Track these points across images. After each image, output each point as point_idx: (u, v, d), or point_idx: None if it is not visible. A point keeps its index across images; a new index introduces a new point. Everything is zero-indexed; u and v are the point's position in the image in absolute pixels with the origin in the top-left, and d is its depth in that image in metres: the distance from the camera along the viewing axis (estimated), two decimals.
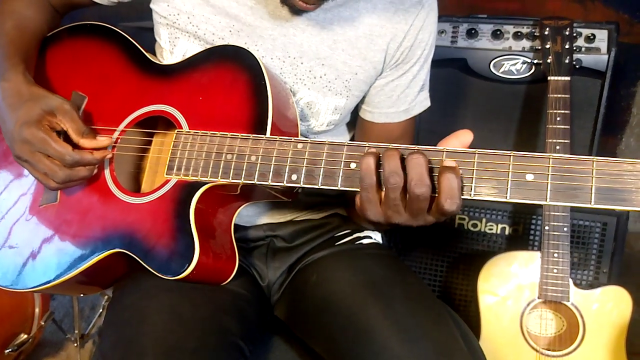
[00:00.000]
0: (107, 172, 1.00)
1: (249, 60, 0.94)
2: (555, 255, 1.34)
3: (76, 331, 1.77)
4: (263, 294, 1.14)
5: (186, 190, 0.91)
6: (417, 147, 0.76)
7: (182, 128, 0.95)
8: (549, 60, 1.44)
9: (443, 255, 1.62)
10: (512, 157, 0.72)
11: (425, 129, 1.56)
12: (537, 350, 1.37)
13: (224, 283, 0.98)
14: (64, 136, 0.97)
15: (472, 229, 1.58)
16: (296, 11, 0.99)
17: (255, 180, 0.85)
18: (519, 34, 1.57)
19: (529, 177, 0.71)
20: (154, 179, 1.05)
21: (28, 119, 0.93)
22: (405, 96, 1.11)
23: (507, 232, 1.57)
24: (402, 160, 0.75)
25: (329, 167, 0.81)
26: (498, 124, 1.64)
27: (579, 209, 1.48)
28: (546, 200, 0.70)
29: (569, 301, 1.35)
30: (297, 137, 0.96)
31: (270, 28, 1.02)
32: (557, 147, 1.36)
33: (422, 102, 1.15)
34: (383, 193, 0.76)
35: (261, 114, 0.90)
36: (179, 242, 0.89)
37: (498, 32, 1.58)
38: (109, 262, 0.96)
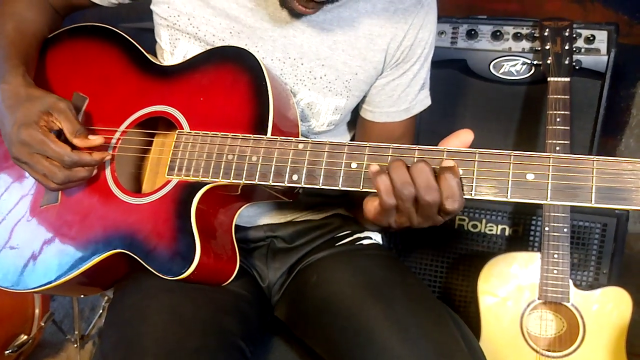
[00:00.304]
0: (108, 173, 1.00)
1: (250, 61, 0.94)
2: (555, 256, 1.34)
3: (76, 332, 1.77)
4: (263, 294, 1.14)
5: (187, 190, 0.91)
6: (418, 146, 0.77)
7: (183, 129, 0.95)
8: (548, 61, 1.44)
9: (443, 256, 1.62)
10: (512, 156, 0.73)
11: (426, 129, 1.56)
12: (537, 351, 1.37)
13: (225, 284, 0.98)
14: (64, 135, 0.98)
15: (472, 229, 1.58)
16: (295, 14, 1.00)
17: (256, 180, 0.86)
18: (519, 35, 1.57)
19: (530, 176, 0.71)
20: (155, 179, 1.05)
21: (26, 121, 0.93)
22: (406, 95, 1.11)
23: (507, 233, 1.57)
24: (408, 168, 0.76)
25: (329, 167, 0.81)
26: (498, 124, 1.64)
27: (579, 210, 1.48)
28: (547, 200, 0.70)
29: (569, 302, 1.35)
30: (298, 137, 0.96)
31: (271, 29, 1.02)
32: (557, 148, 1.36)
33: (423, 101, 1.15)
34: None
35: (262, 114, 0.90)
36: (180, 243, 0.89)
37: (498, 33, 1.58)
38: (109, 263, 0.96)
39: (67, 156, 0.92)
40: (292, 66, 1.04)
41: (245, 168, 0.87)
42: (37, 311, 1.73)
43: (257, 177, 0.86)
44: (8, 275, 1.01)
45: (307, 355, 1.04)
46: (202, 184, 0.90)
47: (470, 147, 0.76)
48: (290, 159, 0.84)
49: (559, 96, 1.40)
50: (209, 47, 1.02)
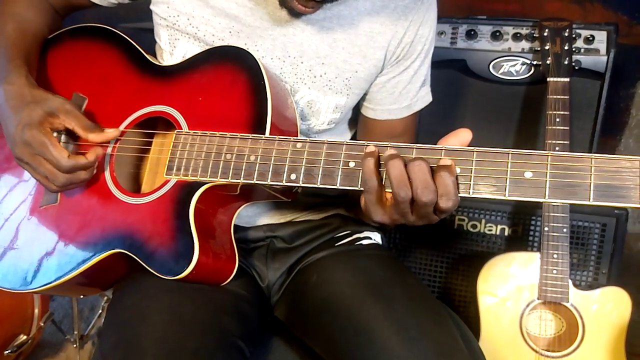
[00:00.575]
0: (107, 173, 1.00)
1: (248, 61, 0.94)
2: (555, 256, 1.34)
3: (75, 332, 1.77)
4: (263, 294, 1.14)
5: (186, 190, 0.91)
6: (416, 145, 0.77)
7: (181, 128, 0.95)
8: (548, 62, 1.44)
9: (442, 256, 1.62)
10: (510, 155, 0.73)
11: (425, 130, 1.56)
12: (536, 351, 1.37)
13: (224, 283, 0.98)
14: (67, 135, 0.98)
15: (471, 229, 1.58)
16: (295, 14, 1.00)
17: (255, 179, 0.86)
18: (518, 35, 1.57)
19: (528, 174, 0.71)
20: (154, 179, 1.05)
21: (30, 121, 0.93)
22: (407, 92, 1.11)
23: (506, 233, 1.57)
24: (405, 165, 0.75)
25: (327, 166, 0.81)
26: (497, 125, 1.65)
27: (579, 210, 1.48)
28: (545, 198, 0.70)
29: (568, 302, 1.35)
30: (296, 136, 0.96)
31: (270, 28, 1.02)
32: (557, 148, 1.36)
33: (424, 98, 1.15)
34: (389, 196, 0.77)
35: (260, 113, 0.90)
36: (178, 242, 0.89)
37: (497, 34, 1.58)
38: (109, 263, 0.96)
39: (65, 162, 0.93)
40: (292, 65, 1.04)
41: (244, 167, 0.87)
42: (36, 311, 1.73)
43: (255, 176, 0.86)
44: (8, 276, 1.01)
45: (306, 355, 1.04)
46: (200, 184, 0.90)
47: (469, 146, 0.76)
48: (288, 158, 0.84)
49: (558, 96, 1.40)
50: (208, 47, 1.02)
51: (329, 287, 1.02)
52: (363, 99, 1.13)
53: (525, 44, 1.57)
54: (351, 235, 1.16)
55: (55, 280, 0.96)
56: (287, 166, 0.84)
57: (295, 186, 0.84)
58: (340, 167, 0.80)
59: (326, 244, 1.15)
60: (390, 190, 0.75)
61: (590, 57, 1.51)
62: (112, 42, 1.10)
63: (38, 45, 1.11)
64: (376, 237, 1.20)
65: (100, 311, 1.90)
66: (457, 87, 1.64)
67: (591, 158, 0.69)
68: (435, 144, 0.77)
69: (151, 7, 1.07)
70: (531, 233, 1.54)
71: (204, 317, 0.92)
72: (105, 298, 1.84)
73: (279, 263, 1.15)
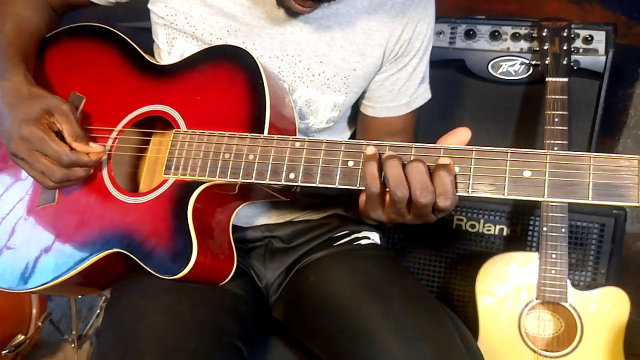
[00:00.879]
0: (104, 172, 1.00)
1: (246, 60, 0.94)
2: (553, 256, 1.34)
3: (73, 332, 1.77)
4: (261, 294, 1.13)
5: (184, 189, 0.91)
6: (416, 144, 0.76)
7: (180, 128, 0.95)
8: (546, 62, 1.44)
9: (441, 256, 1.62)
10: (509, 153, 0.73)
11: (424, 130, 1.56)
12: (535, 351, 1.37)
13: (222, 283, 0.98)
14: (61, 136, 0.97)
15: (470, 229, 1.58)
16: (292, 13, 1.00)
17: (253, 179, 0.85)
18: (517, 35, 1.57)
19: (527, 173, 0.71)
20: (152, 178, 1.05)
21: (27, 117, 0.93)
22: (406, 89, 1.11)
23: (505, 233, 1.56)
24: (404, 166, 0.75)
25: (326, 165, 0.81)
26: (496, 125, 1.64)
27: (577, 210, 1.48)
28: (544, 197, 0.70)
29: (566, 302, 1.35)
30: (295, 135, 0.96)
31: (268, 27, 1.02)
32: (555, 148, 1.36)
33: (423, 95, 1.15)
34: (387, 197, 0.77)
35: (259, 113, 0.90)
36: (177, 242, 0.89)
37: (496, 33, 1.58)
38: (107, 263, 0.96)
39: (65, 155, 0.92)
40: (290, 63, 1.04)
41: (242, 167, 0.87)
42: (34, 311, 1.73)
43: (253, 175, 0.85)
44: (5, 276, 1.01)
45: (304, 355, 1.04)
46: (199, 183, 0.90)
47: (467, 145, 0.76)
48: (287, 157, 0.84)
49: (557, 96, 1.40)
50: (206, 46, 1.02)
51: (327, 287, 1.02)
52: (362, 96, 1.13)
53: (524, 44, 1.57)
54: (349, 235, 1.16)
55: (52, 280, 0.96)
56: (285, 165, 0.84)
57: (294, 185, 0.84)
58: (339, 166, 0.80)
59: (324, 244, 1.15)
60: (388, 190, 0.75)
61: (588, 57, 1.51)
62: (110, 41, 1.10)
63: (36, 44, 1.11)
64: (374, 237, 1.20)
65: (98, 311, 1.90)
66: (455, 87, 1.64)
67: (590, 157, 0.69)
68: (434, 144, 0.77)
69: (149, 6, 1.07)
70: (530, 233, 1.54)
71: (202, 317, 0.91)
72: (103, 298, 1.84)
73: (277, 263, 1.15)
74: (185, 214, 0.89)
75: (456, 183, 0.74)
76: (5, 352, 1.63)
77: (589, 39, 1.51)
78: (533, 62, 1.54)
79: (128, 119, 1.02)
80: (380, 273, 1.04)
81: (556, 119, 1.38)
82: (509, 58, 1.58)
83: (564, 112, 1.38)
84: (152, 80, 1.04)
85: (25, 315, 1.71)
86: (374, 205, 0.79)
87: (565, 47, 1.44)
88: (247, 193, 0.98)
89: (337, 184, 0.80)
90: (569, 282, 1.35)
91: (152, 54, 1.11)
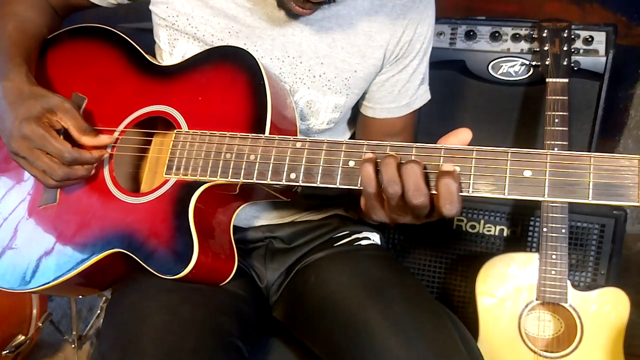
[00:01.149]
0: (106, 172, 1.00)
1: (248, 61, 0.94)
2: (554, 256, 1.34)
3: (74, 332, 1.77)
4: (262, 295, 1.13)
5: (185, 189, 0.91)
6: (416, 145, 0.77)
7: (181, 128, 0.95)
8: (547, 62, 1.45)
9: (441, 256, 1.62)
10: (509, 153, 0.73)
11: (424, 130, 1.57)
12: (535, 352, 1.37)
13: (223, 283, 0.98)
14: (64, 135, 0.97)
15: (470, 230, 1.58)
16: (293, 15, 1.00)
17: (254, 179, 0.85)
18: (517, 35, 1.57)
19: (527, 173, 0.71)
20: (154, 179, 1.05)
21: (28, 115, 0.93)
22: (406, 90, 1.11)
23: (505, 234, 1.57)
24: (399, 166, 0.75)
25: (327, 165, 0.81)
26: (496, 125, 1.65)
27: (578, 211, 1.48)
28: (544, 197, 0.70)
29: (567, 303, 1.35)
30: (296, 136, 0.96)
31: (269, 28, 1.02)
32: (555, 149, 1.36)
33: (423, 96, 1.15)
34: (385, 196, 0.77)
35: (260, 113, 0.90)
36: (178, 242, 0.89)
37: (496, 34, 1.58)
38: (107, 263, 0.96)
39: (67, 153, 0.92)
40: (291, 65, 1.04)
41: (243, 167, 0.87)
42: (34, 311, 1.73)
43: (255, 175, 0.86)
44: (6, 276, 1.01)
45: (305, 355, 1.04)
46: (200, 183, 0.90)
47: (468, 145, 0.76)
48: (288, 157, 0.84)
49: (557, 97, 1.40)
50: (207, 47, 1.02)
51: (327, 287, 1.02)
52: (362, 97, 1.13)
53: (524, 45, 1.57)
54: (350, 236, 1.16)
55: (53, 280, 0.96)
56: (286, 165, 0.84)
57: (294, 185, 0.84)
58: (340, 166, 0.80)
59: (325, 245, 1.15)
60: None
61: (589, 58, 1.51)
62: (111, 42, 1.10)
63: (38, 45, 1.11)
64: (375, 238, 1.20)
65: (98, 311, 1.90)
66: (456, 87, 1.64)
67: (590, 157, 0.69)
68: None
69: (150, 7, 1.07)
70: (530, 234, 1.55)
71: (203, 318, 0.91)
72: (104, 298, 1.84)
73: (277, 263, 1.15)
74: (186, 214, 0.89)
75: (461, 190, 0.74)
76: (5, 352, 1.63)
77: (589, 39, 1.52)
78: (533, 63, 1.54)
79: (130, 119, 1.02)
80: (380, 273, 1.04)
81: (556, 120, 1.38)
82: (509, 59, 1.58)
83: (564, 113, 1.38)
84: (154, 80, 1.04)
85: (25, 316, 1.71)
86: (372, 205, 0.79)
87: (565, 48, 1.44)
88: (248, 193, 0.98)
89: (338, 184, 0.80)
90: (569, 282, 1.35)
91: (153, 55, 1.12)
